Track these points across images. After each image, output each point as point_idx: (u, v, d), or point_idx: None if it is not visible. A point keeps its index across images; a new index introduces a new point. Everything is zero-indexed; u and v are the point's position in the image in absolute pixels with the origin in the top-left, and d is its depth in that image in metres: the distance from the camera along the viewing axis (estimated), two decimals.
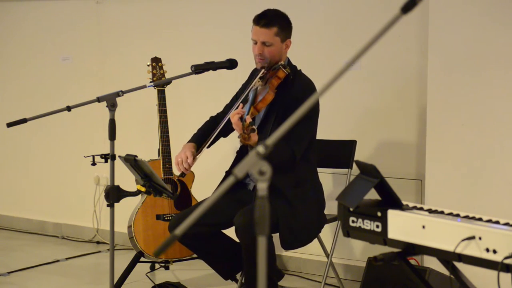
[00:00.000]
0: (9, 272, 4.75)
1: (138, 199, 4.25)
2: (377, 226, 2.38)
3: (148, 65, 4.40)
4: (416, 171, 4.26)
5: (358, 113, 4.45)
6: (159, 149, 4.34)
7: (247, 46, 3.77)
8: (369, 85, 4.41)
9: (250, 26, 3.65)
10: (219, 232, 3.78)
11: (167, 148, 4.27)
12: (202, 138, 3.79)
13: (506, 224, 2.25)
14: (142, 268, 4.42)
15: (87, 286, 4.56)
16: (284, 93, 3.53)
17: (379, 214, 2.38)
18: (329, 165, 4.23)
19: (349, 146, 4.16)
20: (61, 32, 5.60)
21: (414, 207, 2.47)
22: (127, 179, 4.12)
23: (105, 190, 3.53)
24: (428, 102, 3.88)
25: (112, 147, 3.50)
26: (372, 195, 2.43)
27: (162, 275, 4.53)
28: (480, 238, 2.14)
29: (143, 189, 3.60)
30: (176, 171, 3.74)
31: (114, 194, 3.48)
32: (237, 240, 3.56)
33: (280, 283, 3.98)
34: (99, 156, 3.69)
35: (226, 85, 4.07)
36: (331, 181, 4.48)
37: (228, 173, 3.79)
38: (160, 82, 4.21)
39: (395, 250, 2.38)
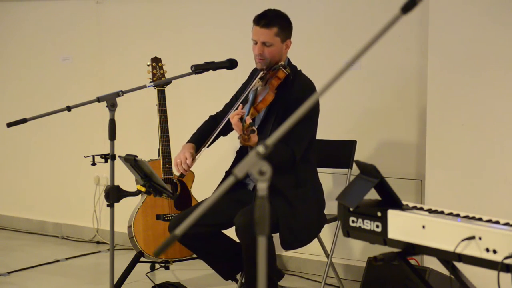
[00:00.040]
0: (9, 272, 4.75)
1: (138, 199, 4.25)
2: (377, 226, 2.38)
3: (148, 65, 4.40)
4: (416, 171, 4.26)
5: (358, 113, 4.45)
6: (159, 149, 4.34)
7: (247, 46, 3.77)
8: (369, 85, 4.41)
9: (250, 26, 3.65)
10: (219, 232, 3.77)
11: (167, 148, 4.27)
12: (201, 139, 3.79)
13: (506, 224, 2.25)
14: (142, 268, 4.42)
15: (87, 286, 4.56)
16: (284, 93, 3.53)
17: (379, 214, 2.38)
18: (329, 165, 4.23)
19: (349, 146, 4.16)
20: (61, 32, 5.60)
21: (414, 207, 2.47)
22: (127, 179, 4.12)
23: (105, 190, 3.53)
24: (428, 102, 3.88)
25: (112, 147, 3.50)
26: (372, 195, 2.43)
27: (162, 275, 4.53)
28: (480, 238, 2.14)
29: (143, 189, 3.60)
30: (176, 172, 3.74)
31: (114, 194, 3.48)
32: (237, 240, 3.56)
33: (280, 283, 3.98)
34: (99, 156, 3.69)
35: (226, 85, 4.07)
36: (331, 181, 4.48)
37: (228, 173, 3.79)
38: (160, 82, 4.21)
39: (395, 250, 2.38)
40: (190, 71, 3.69)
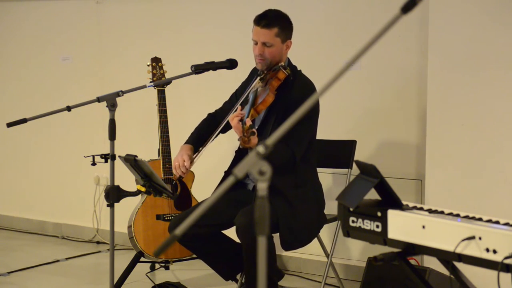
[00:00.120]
0: (9, 272, 4.75)
1: (138, 199, 4.25)
2: (377, 226, 2.38)
3: (148, 65, 4.40)
4: (416, 171, 4.26)
5: (358, 113, 4.45)
6: (159, 149, 4.34)
7: (247, 46, 3.77)
8: (369, 85, 4.41)
9: (250, 26, 3.64)
10: (219, 232, 3.77)
11: (167, 148, 4.27)
12: (199, 139, 3.78)
13: (506, 224, 2.25)
14: (142, 268, 4.42)
15: (87, 286, 4.56)
16: (284, 94, 3.53)
17: (379, 214, 2.38)
18: (329, 165, 4.23)
19: (349, 146, 4.16)
20: (61, 32, 5.60)
21: (414, 207, 2.47)
22: (127, 179, 4.12)
23: (105, 190, 3.53)
24: (428, 102, 3.88)
25: (112, 147, 3.50)
26: (372, 195, 2.43)
27: (162, 275, 4.53)
28: (480, 238, 2.14)
29: (143, 189, 3.60)
30: (175, 173, 3.74)
31: (114, 194, 3.48)
32: (237, 240, 3.56)
33: (280, 283, 3.98)
34: (99, 156, 3.69)
35: (226, 85, 4.07)
36: (331, 181, 4.48)
37: (227, 173, 3.78)
38: (160, 82, 4.21)
39: (395, 250, 2.38)
40: (190, 71, 3.69)
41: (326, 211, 3.78)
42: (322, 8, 4.53)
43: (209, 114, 3.94)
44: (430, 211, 2.41)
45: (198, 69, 3.69)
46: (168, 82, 4.12)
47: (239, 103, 3.57)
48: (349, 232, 2.50)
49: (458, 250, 2.18)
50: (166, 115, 4.31)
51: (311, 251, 4.41)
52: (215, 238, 3.76)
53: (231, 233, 3.64)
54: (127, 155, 3.53)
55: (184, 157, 3.65)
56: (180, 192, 4.32)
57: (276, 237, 3.57)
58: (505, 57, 3.65)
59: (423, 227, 2.28)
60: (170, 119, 4.31)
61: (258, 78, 3.59)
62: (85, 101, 3.53)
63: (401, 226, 2.33)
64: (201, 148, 3.70)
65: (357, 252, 4.49)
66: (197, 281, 4.53)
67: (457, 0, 3.76)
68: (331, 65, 4.31)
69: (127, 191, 3.56)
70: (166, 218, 4.26)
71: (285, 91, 3.54)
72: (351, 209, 2.46)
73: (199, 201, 4.26)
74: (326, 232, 4.28)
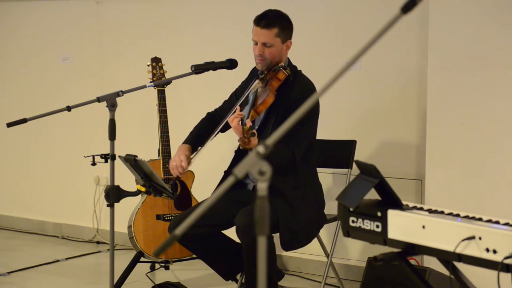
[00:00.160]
0: (9, 272, 4.75)
1: (138, 199, 4.25)
2: (377, 226, 2.38)
3: (148, 65, 4.40)
4: (416, 171, 4.26)
5: (358, 113, 4.45)
6: (159, 149, 4.34)
7: (247, 46, 3.77)
8: (369, 85, 4.41)
9: (251, 26, 3.64)
10: (219, 232, 3.77)
11: (167, 148, 4.27)
12: (197, 139, 3.77)
13: (506, 224, 2.25)
14: (142, 268, 4.42)
15: (87, 286, 4.56)
16: (284, 94, 3.53)
17: (379, 214, 2.38)
18: (329, 165, 4.23)
19: (349, 146, 4.16)
20: (61, 32, 5.60)
21: (414, 207, 2.47)
22: (127, 179, 4.12)
23: (105, 190, 3.53)
24: (428, 102, 3.88)
25: (112, 147, 3.50)
26: (372, 195, 2.43)
27: (162, 275, 4.53)
28: (480, 238, 2.14)
29: (143, 189, 3.60)
30: (172, 174, 3.74)
31: (114, 194, 3.48)
32: (237, 240, 3.56)
33: (280, 283, 3.98)
34: (99, 156, 3.69)
35: (226, 85, 4.07)
36: (331, 181, 4.48)
37: (226, 173, 3.78)
38: (160, 82, 4.21)
39: (395, 250, 2.38)
40: (190, 71, 3.69)
41: (326, 211, 3.78)
42: (322, 8, 4.53)
43: (208, 114, 3.94)
44: (430, 211, 2.41)
45: (198, 69, 3.69)
46: (168, 82, 4.12)
47: (239, 103, 3.57)
48: (349, 232, 2.50)
49: (458, 250, 2.18)
50: (166, 115, 4.31)
51: (311, 251, 4.41)
52: (215, 238, 3.76)
53: (231, 233, 3.64)
54: (127, 155, 3.53)
55: (181, 157, 3.65)
56: (180, 192, 4.32)
57: (276, 237, 3.57)
58: (505, 57, 3.65)
59: (423, 227, 2.28)
60: (170, 119, 4.31)
61: (258, 78, 3.58)
62: (85, 101, 3.53)
63: (401, 226, 2.33)
64: (199, 147, 3.70)
65: (357, 252, 4.49)
66: (197, 281, 4.53)
67: (457, 0, 3.76)
68: (331, 65, 4.31)
69: (127, 191, 3.56)
70: (166, 218, 4.26)
71: (285, 92, 3.53)
72: (351, 209, 2.46)
73: (199, 201, 4.26)
74: (326, 232, 4.29)
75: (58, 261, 5.03)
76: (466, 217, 2.35)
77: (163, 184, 3.61)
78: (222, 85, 4.25)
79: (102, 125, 5.04)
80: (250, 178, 3.75)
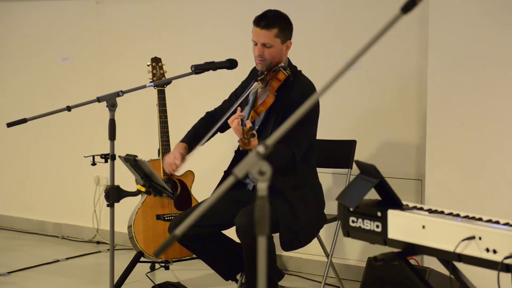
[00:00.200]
0: (9, 272, 4.75)
1: (138, 199, 4.25)
2: (377, 226, 2.38)
3: (148, 65, 4.40)
4: (416, 171, 4.26)
5: (358, 113, 4.45)
6: (159, 149, 4.34)
7: (247, 46, 3.77)
8: (369, 85, 4.41)
9: (250, 26, 3.64)
10: (219, 232, 3.77)
11: (167, 148, 4.27)
12: (195, 138, 3.77)
13: (506, 224, 2.25)
14: (142, 268, 4.42)
15: (87, 286, 4.56)
16: (284, 95, 3.52)
17: (379, 214, 2.38)
18: (329, 165, 4.23)
19: (349, 146, 4.16)
20: (61, 32, 5.60)
21: (414, 207, 2.47)
22: (127, 179, 4.12)
23: (105, 190, 3.53)
24: (428, 102, 3.88)
25: (112, 147, 3.50)
26: (372, 195, 2.43)
27: (162, 275, 4.53)
28: (480, 238, 2.14)
29: (143, 189, 3.60)
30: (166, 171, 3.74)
31: (114, 194, 3.48)
32: (237, 240, 3.56)
33: (280, 283, 3.98)
34: (99, 156, 3.69)
35: (226, 85, 4.07)
36: (331, 181, 4.48)
37: (226, 173, 3.78)
38: (160, 82, 4.21)
39: (395, 250, 2.38)
40: (190, 71, 3.69)
41: (326, 211, 3.78)
42: (322, 8, 4.53)
43: (207, 113, 3.94)
44: (430, 211, 2.41)
45: (198, 69, 3.69)
46: (168, 82, 4.12)
47: (237, 104, 3.56)
48: (349, 232, 2.50)
49: (458, 250, 2.18)
50: (166, 115, 4.31)
51: (311, 251, 4.41)
52: (215, 238, 3.76)
53: (231, 233, 3.64)
54: (127, 155, 3.53)
55: (176, 155, 3.66)
56: (180, 192, 4.32)
57: (276, 237, 3.57)
58: (505, 57, 3.65)
59: (423, 227, 2.28)
60: (170, 119, 4.31)
61: (258, 79, 3.58)
62: (85, 101, 3.53)
63: (401, 226, 2.33)
64: (195, 147, 3.69)
65: (357, 252, 4.49)
66: (197, 281, 4.53)
67: (457, 0, 3.76)
68: (331, 65, 4.31)
69: (127, 191, 3.57)
70: (166, 218, 4.26)
71: (285, 92, 3.53)
72: (351, 209, 2.46)
73: (199, 201, 4.26)
74: (326, 232, 4.28)
75: (58, 261, 5.03)
76: (466, 217, 2.35)
77: (163, 184, 3.61)
78: (222, 85, 4.25)
79: (102, 125, 5.04)
80: (250, 178, 3.75)
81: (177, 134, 4.34)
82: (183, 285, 4.25)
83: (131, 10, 5.30)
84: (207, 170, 4.60)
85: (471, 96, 3.74)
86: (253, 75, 3.78)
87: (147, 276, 4.41)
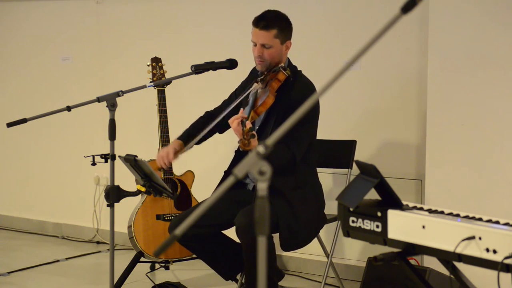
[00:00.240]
0: (9, 272, 4.75)
1: (138, 199, 4.25)
2: (377, 226, 2.38)
3: (148, 65, 4.40)
4: (416, 171, 4.26)
5: (358, 113, 4.45)
6: (159, 149, 4.34)
7: (247, 46, 3.77)
8: (369, 85, 4.41)
9: (250, 26, 3.64)
10: (219, 232, 3.77)
11: None
12: (191, 136, 3.77)
13: (506, 224, 2.25)
14: (142, 268, 4.42)
15: (87, 286, 4.56)
16: (284, 95, 3.52)
17: (379, 214, 2.38)
18: (329, 165, 4.23)
19: (349, 146, 4.16)
20: (61, 32, 5.60)
21: (414, 207, 2.47)
22: (127, 179, 4.12)
23: (105, 190, 3.53)
24: (428, 102, 3.88)
25: (112, 147, 3.50)
26: (372, 195, 2.43)
27: (162, 275, 4.53)
28: (480, 238, 2.14)
29: (143, 189, 3.60)
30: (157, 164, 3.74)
31: (114, 194, 3.48)
32: (237, 240, 3.56)
33: (280, 283, 3.98)
34: (99, 156, 3.69)
35: (226, 85, 4.07)
36: (331, 181, 4.48)
37: (226, 173, 3.78)
38: (160, 82, 4.21)
39: (395, 250, 2.38)
40: (190, 71, 3.69)
41: (326, 211, 3.78)
42: (322, 8, 4.53)
43: (206, 112, 3.94)
44: (430, 211, 2.41)
45: (198, 69, 3.69)
46: (168, 82, 4.12)
47: (236, 103, 3.57)
48: (349, 232, 2.50)
49: (458, 250, 2.18)
50: (166, 115, 4.31)
51: (311, 251, 4.41)
52: (215, 238, 3.75)
53: (231, 233, 3.64)
54: (127, 155, 3.54)
55: (169, 150, 3.67)
56: (180, 192, 4.32)
57: (276, 237, 3.57)
58: (505, 57, 3.65)
59: (423, 227, 2.28)
60: (170, 119, 4.31)
61: (258, 79, 3.58)
62: (85, 101, 3.53)
63: (401, 226, 2.33)
64: (190, 143, 3.70)
65: (357, 252, 4.49)
66: (197, 281, 4.53)
67: (457, 0, 3.76)
68: (331, 65, 4.31)
69: (127, 191, 3.57)
70: (166, 218, 4.26)
71: (285, 92, 3.53)
72: (351, 209, 2.46)
73: (199, 201, 4.26)
74: (326, 232, 4.28)
75: (58, 261, 5.03)
76: (466, 217, 2.35)
77: (163, 184, 3.61)
78: (222, 85, 4.25)
79: (102, 125, 5.04)
80: (250, 178, 3.75)
81: (177, 134, 4.34)
82: (183, 285, 4.25)
83: (131, 10, 5.30)
84: (207, 170, 4.60)
85: (471, 96, 3.74)
86: (253, 75, 3.78)
87: (147, 276, 4.41)
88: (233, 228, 3.52)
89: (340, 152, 4.19)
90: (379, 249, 2.40)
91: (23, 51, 5.81)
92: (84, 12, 5.47)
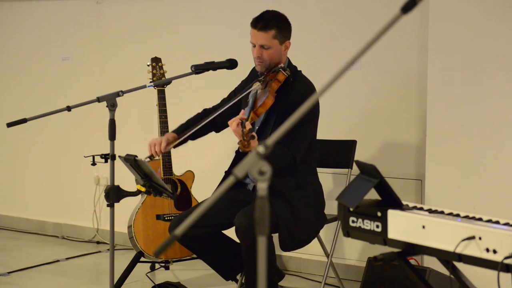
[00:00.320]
0: (9, 272, 4.75)
1: (138, 199, 4.25)
2: (377, 226, 2.38)
3: (148, 65, 4.40)
4: (416, 171, 4.26)
5: (358, 113, 4.45)
6: None
7: (247, 46, 3.77)
8: (369, 85, 4.41)
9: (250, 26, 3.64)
10: (219, 232, 3.77)
11: None
12: (185, 130, 3.77)
13: (506, 224, 2.25)
14: (142, 268, 4.42)
15: (87, 286, 4.56)
16: (283, 95, 3.52)
17: (379, 214, 2.38)
18: (329, 165, 4.23)
19: (349, 146, 4.16)
20: (61, 32, 5.60)
21: (414, 207, 2.47)
22: (127, 179, 4.12)
23: (105, 190, 3.53)
24: (428, 102, 3.88)
25: (112, 147, 3.50)
26: (372, 195, 2.43)
27: (162, 275, 4.53)
28: (480, 238, 2.14)
29: (143, 189, 3.60)
30: (147, 153, 3.74)
31: (114, 194, 3.48)
32: (237, 240, 3.56)
33: (280, 283, 3.98)
34: (99, 156, 3.69)
35: (226, 85, 4.06)
36: (331, 181, 4.48)
37: (227, 173, 3.78)
38: (160, 82, 4.21)
39: (395, 250, 2.38)
40: (190, 71, 3.68)
41: (326, 211, 3.78)
42: (322, 7, 4.53)
43: (204, 109, 3.94)
44: (430, 211, 2.41)
45: (198, 69, 3.69)
46: (168, 82, 4.12)
47: (233, 101, 3.57)
48: (349, 232, 2.50)
49: (458, 250, 2.18)
50: (166, 115, 4.31)
51: (311, 251, 4.41)
52: (215, 238, 3.75)
53: (231, 233, 3.64)
54: (127, 155, 3.53)
55: (162, 139, 3.67)
56: (180, 192, 4.32)
57: (276, 237, 3.57)
58: (505, 57, 3.65)
59: (423, 227, 2.28)
60: (170, 119, 4.31)
61: (258, 80, 3.57)
62: (85, 101, 3.53)
63: (401, 226, 2.33)
64: (184, 136, 3.69)
65: (357, 252, 4.49)
66: (197, 281, 4.53)
67: (457, 0, 3.76)
68: (331, 65, 4.31)
69: (127, 191, 3.56)
70: (166, 218, 4.26)
71: (285, 93, 3.53)
72: (351, 209, 2.46)
73: (199, 201, 4.26)
74: (326, 232, 4.28)
75: (58, 261, 5.03)
76: (466, 217, 2.35)
77: (163, 184, 3.61)
78: (222, 85, 4.25)
79: (102, 125, 5.04)
80: (250, 178, 3.74)
81: None
82: (183, 285, 4.25)
83: (131, 10, 5.30)
84: (207, 170, 4.60)
85: (471, 96, 3.74)
86: (253, 75, 3.78)
87: (147, 276, 4.41)
88: (233, 228, 3.52)
89: (340, 152, 4.19)
90: (379, 249, 2.40)
91: (23, 51, 5.81)
92: (84, 12, 5.47)
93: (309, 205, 3.61)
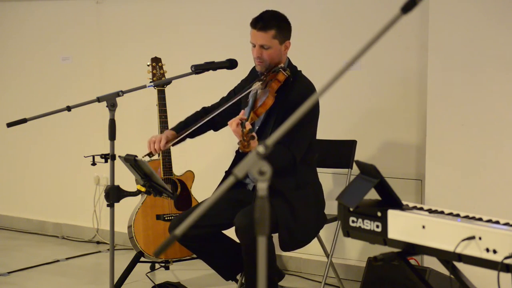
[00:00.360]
0: (9, 272, 4.75)
1: (138, 199, 4.25)
2: (377, 226, 2.38)
3: (148, 65, 4.40)
4: (416, 171, 4.26)
5: (358, 113, 4.45)
6: None
7: (247, 46, 3.77)
8: (369, 85, 4.41)
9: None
10: (219, 232, 3.77)
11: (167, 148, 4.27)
12: (185, 127, 3.78)
13: (506, 224, 2.25)
14: (142, 268, 4.42)
15: (87, 286, 4.56)
16: (284, 96, 3.52)
17: (379, 214, 2.38)
18: (329, 165, 4.23)
19: (349, 146, 4.16)
20: (61, 32, 5.60)
21: (414, 207, 2.47)
22: (127, 179, 4.12)
23: (105, 190, 3.53)
24: (428, 102, 3.88)
25: (112, 147, 3.50)
26: (372, 195, 2.43)
27: (162, 275, 4.53)
28: (480, 238, 2.14)
29: (143, 189, 3.60)
30: (146, 150, 3.74)
31: (114, 194, 3.48)
32: (237, 240, 3.56)
33: (280, 283, 3.98)
34: (99, 156, 3.69)
35: (226, 85, 4.06)
36: (331, 181, 4.48)
37: (227, 173, 3.78)
38: (160, 82, 4.21)
39: (395, 250, 2.38)
40: (190, 71, 3.69)
41: (326, 211, 3.78)
42: (322, 7, 4.53)
43: (203, 108, 3.94)
44: (430, 211, 2.41)
45: (198, 69, 3.69)
46: (168, 82, 4.12)
47: (233, 101, 3.57)
48: (349, 232, 2.50)
49: (458, 250, 2.18)
50: (166, 115, 4.31)
51: (311, 251, 4.41)
52: (215, 238, 3.75)
53: (231, 233, 3.64)
54: (127, 155, 3.53)
55: (162, 137, 3.67)
56: (180, 192, 4.32)
57: (276, 237, 3.57)
58: (505, 57, 3.65)
59: (423, 227, 2.28)
60: (170, 119, 4.31)
61: (258, 80, 3.57)
62: (85, 101, 3.53)
63: (401, 226, 2.33)
64: (182, 134, 3.69)
65: (357, 252, 4.49)
66: (197, 281, 4.53)
67: (457, 0, 3.76)
68: (331, 65, 4.31)
69: (127, 191, 3.56)
70: (166, 218, 4.26)
71: (285, 93, 3.53)
72: (351, 209, 2.46)
73: (199, 201, 4.26)
74: (326, 232, 4.28)
75: (58, 261, 5.03)
76: (466, 217, 2.35)
77: (163, 184, 3.61)
78: (222, 85, 4.25)
79: (102, 125, 5.04)
80: (250, 178, 3.74)
81: None
82: (183, 285, 4.25)
83: (131, 10, 5.30)
84: (207, 170, 4.60)
85: (471, 96, 3.74)
86: (253, 74, 3.78)
87: (147, 276, 4.41)
88: (233, 228, 3.52)
89: (340, 152, 4.19)
90: (379, 249, 2.40)
91: (23, 51, 5.81)
92: (84, 12, 5.47)
93: (309, 205, 3.61)
